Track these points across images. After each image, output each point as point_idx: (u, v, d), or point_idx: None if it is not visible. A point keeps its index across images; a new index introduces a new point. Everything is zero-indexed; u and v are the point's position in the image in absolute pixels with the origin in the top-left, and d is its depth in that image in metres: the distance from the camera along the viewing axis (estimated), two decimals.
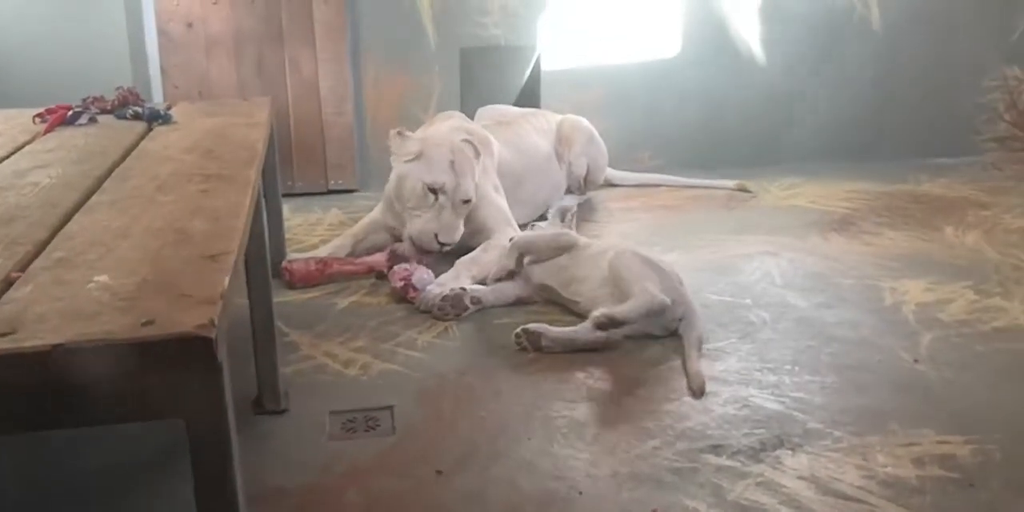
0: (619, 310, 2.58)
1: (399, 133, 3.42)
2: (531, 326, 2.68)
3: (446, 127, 3.62)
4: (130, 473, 2.07)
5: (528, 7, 4.57)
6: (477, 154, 3.45)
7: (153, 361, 1.14)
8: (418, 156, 3.34)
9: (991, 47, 4.98)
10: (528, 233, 3.15)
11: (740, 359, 2.59)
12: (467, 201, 3.34)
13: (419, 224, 3.29)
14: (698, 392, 2.38)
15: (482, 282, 3.12)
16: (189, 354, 1.14)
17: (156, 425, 1.25)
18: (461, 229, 3.33)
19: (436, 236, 3.26)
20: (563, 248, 3.01)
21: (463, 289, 2.97)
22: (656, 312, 2.61)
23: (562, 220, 3.21)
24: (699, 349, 2.59)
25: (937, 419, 2.23)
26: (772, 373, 2.50)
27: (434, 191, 3.28)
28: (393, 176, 3.45)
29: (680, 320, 2.69)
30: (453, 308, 2.92)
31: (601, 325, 2.57)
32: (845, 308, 2.95)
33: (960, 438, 2.13)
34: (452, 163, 3.32)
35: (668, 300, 2.60)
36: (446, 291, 2.98)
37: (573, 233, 3.12)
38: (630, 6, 4.66)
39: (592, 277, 2.85)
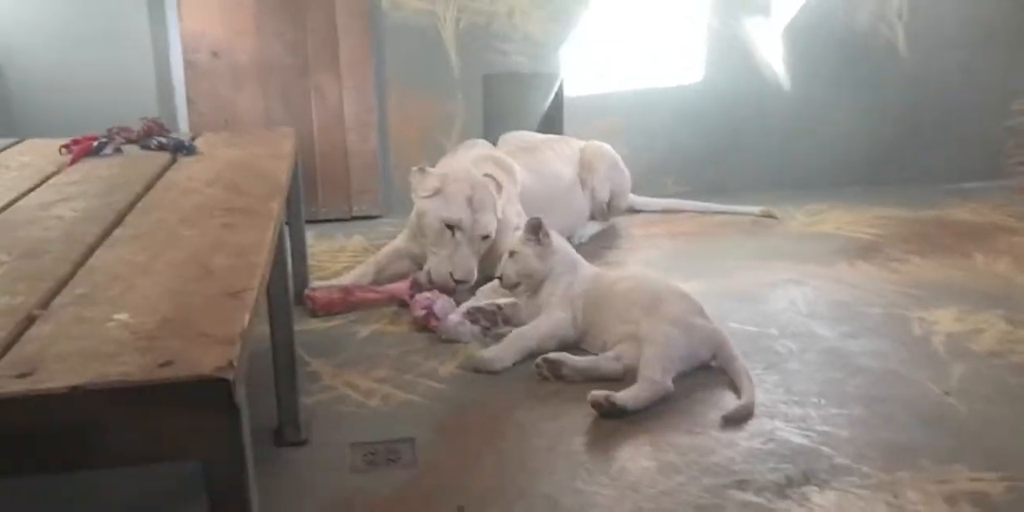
0: (621, 397, 2.44)
1: (420, 170, 3.43)
2: (552, 355, 2.66)
3: (469, 158, 3.62)
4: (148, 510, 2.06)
5: (551, 34, 4.59)
6: (499, 188, 3.45)
7: (171, 403, 1.14)
8: (437, 192, 3.34)
9: (1019, 70, 4.93)
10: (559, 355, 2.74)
11: (765, 391, 2.55)
12: (486, 237, 3.35)
13: (435, 262, 3.30)
14: (738, 422, 2.35)
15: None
16: (207, 396, 1.14)
17: (176, 463, 1.24)
18: (476, 267, 3.33)
19: (451, 274, 3.26)
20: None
21: (498, 306, 2.98)
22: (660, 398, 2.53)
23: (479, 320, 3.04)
24: (750, 379, 2.54)
25: (969, 455, 2.18)
26: (798, 406, 2.46)
27: (451, 227, 3.29)
28: (414, 212, 3.46)
29: (713, 357, 2.66)
30: (485, 319, 2.96)
31: (597, 405, 2.47)
32: (872, 338, 2.91)
33: (994, 475, 2.09)
34: (470, 199, 3.32)
35: (672, 387, 2.53)
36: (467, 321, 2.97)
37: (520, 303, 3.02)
38: (653, 32, 4.66)
39: (610, 320, 2.79)
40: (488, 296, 3.16)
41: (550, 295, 2.91)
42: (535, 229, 2.93)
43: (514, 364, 2.74)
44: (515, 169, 3.70)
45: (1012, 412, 2.41)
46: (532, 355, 2.73)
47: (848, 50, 4.82)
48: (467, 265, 3.29)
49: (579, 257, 3.05)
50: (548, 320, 2.85)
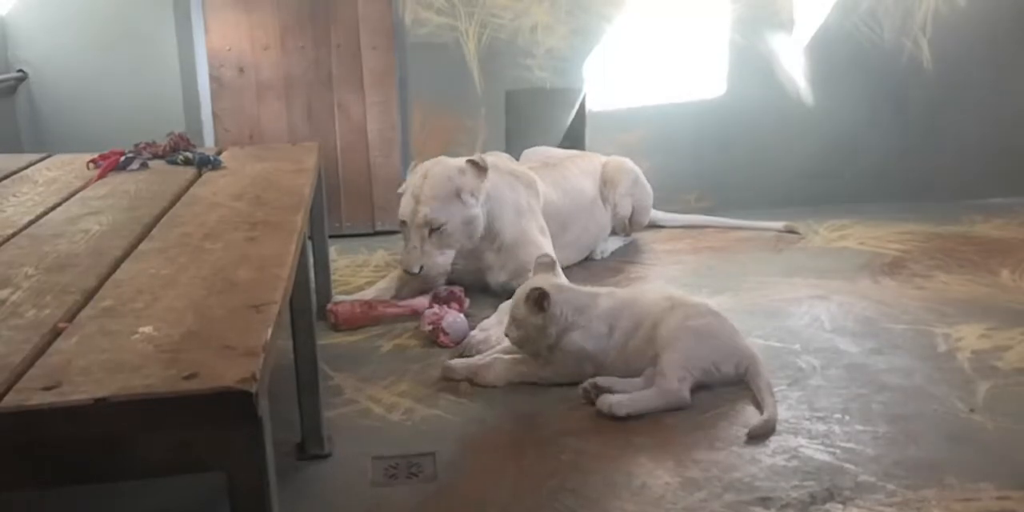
0: (616, 400, 2.48)
1: (416, 166, 3.48)
2: (600, 380, 2.61)
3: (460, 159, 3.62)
4: None
5: (573, 50, 4.60)
6: (479, 174, 3.38)
7: (194, 415, 1.15)
8: (403, 192, 3.41)
9: None
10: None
11: (789, 407, 2.53)
12: (435, 228, 3.28)
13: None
14: (761, 438, 2.35)
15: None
16: (230, 408, 1.15)
17: (200, 475, 1.25)
18: (429, 255, 3.29)
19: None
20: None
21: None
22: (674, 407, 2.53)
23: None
24: (772, 395, 2.53)
25: (996, 473, 2.15)
26: (822, 422, 2.44)
27: (403, 223, 3.34)
28: None
29: (744, 372, 2.65)
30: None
31: (585, 392, 2.54)
32: (897, 355, 2.88)
33: (1021, 493, 2.06)
34: (417, 190, 3.30)
35: (688, 398, 2.54)
36: (491, 337, 2.97)
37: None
38: (676, 47, 4.67)
39: (640, 342, 2.70)
40: (505, 313, 3.14)
41: (571, 347, 2.70)
42: (538, 303, 2.66)
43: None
44: (536, 183, 3.70)
45: None
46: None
47: (872, 65, 4.80)
48: (409, 260, 3.29)
49: (586, 296, 2.77)
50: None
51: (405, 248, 3.35)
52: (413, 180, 3.37)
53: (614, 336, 2.71)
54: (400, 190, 3.45)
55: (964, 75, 4.85)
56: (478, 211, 3.37)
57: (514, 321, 2.72)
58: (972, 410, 2.49)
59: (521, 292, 2.73)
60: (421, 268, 3.28)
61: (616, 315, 2.74)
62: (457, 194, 3.31)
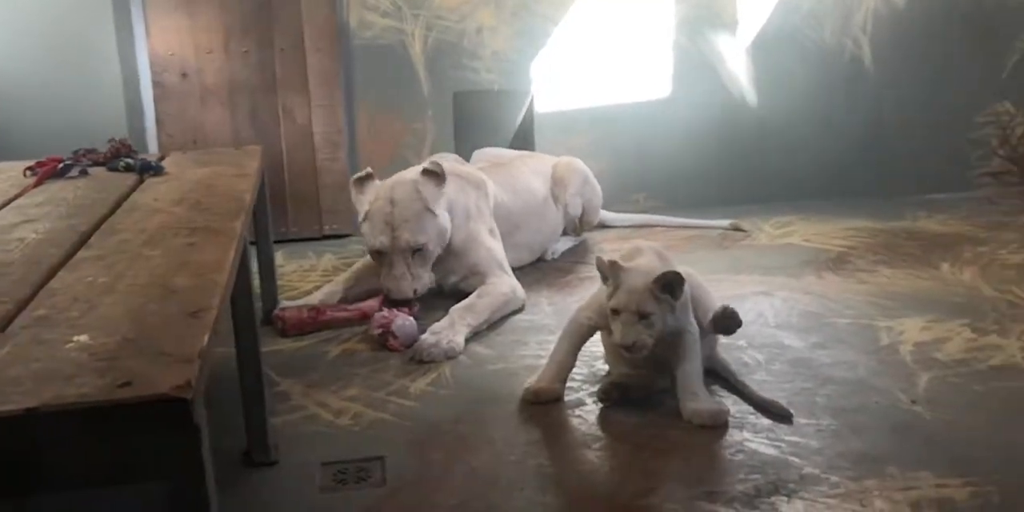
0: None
1: (357, 181, 3.43)
2: (626, 382, 2.60)
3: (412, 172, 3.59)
4: None
5: (519, 52, 4.62)
6: (439, 183, 3.35)
7: (129, 423, 1.13)
8: (365, 217, 3.35)
9: (982, 83, 5.02)
10: None
11: (735, 402, 2.56)
12: (416, 249, 3.28)
13: (381, 280, 3.31)
14: (787, 415, 2.45)
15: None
16: (166, 416, 1.13)
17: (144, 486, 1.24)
18: (419, 279, 3.28)
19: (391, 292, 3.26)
20: None
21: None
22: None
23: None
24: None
25: (935, 462, 2.20)
26: (767, 417, 2.47)
27: (378, 253, 3.31)
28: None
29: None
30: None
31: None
32: (841, 349, 2.93)
33: (958, 481, 2.11)
34: (388, 218, 3.27)
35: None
36: (442, 341, 2.96)
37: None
38: (621, 49, 4.70)
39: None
40: (459, 314, 3.14)
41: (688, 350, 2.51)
42: (671, 287, 2.39)
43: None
44: (486, 184, 3.69)
45: (976, 419, 2.43)
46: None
47: (815, 65, 4.88)
48: (398, 285, 3.25)
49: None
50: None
51: (388, 275, 3.27)
52: (379, 206, 3.31)
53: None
54: (360, 217, 3.38)
55: (904, 74, 4.95)
56: (445, 219, 3.36)
57: (643, 319, 2.38)
58: (913, 402, 2.54)
59: (640, 282, 2.39)
60: (415, 292, 3.26)
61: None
62: (427, 209, 3.31)
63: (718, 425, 2.40)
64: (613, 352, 2.65)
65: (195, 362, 1.22)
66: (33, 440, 1.12)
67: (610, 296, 2.44)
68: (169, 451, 1.16)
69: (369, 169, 3.52)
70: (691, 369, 2.50)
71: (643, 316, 2.38)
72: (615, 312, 2.42)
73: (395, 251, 3.27)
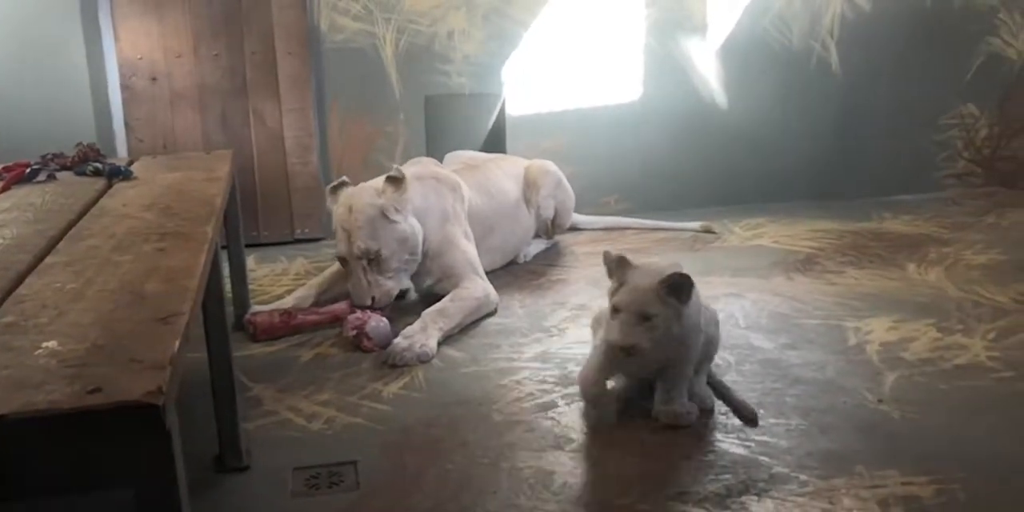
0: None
1: (331, 189, 3.46)
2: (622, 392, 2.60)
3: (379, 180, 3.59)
4: None
5: (491, 55, 4.63)
6: (398, 187, 3.31)
7: (100, 430, 1.13)
8: (334, 228, 3.37)
9: (947, 86, 5.09)
10: None
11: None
12: (373, 258, 3.24)
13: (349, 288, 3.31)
14: (753, 419, 2.45)
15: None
16: (137, 422, 1.13)
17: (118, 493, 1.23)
18: (378, 286, 3.25)
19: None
20: None
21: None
22: None
23: None
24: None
25: (901, 460, 2.23)
26: (738, 418, 2.50)
27: (343, 261, 3.32)
28: None
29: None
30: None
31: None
32: (810, 349, 2.97)
33: (924, 479, 2.14)
34: (346, 223, 3.27)
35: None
36: (414, 345, 2.97)
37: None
38: (592, 52, 4.73)
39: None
40: (431, 318, 3.14)
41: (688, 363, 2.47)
42: (679, 289, 2.29)
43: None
44: (460, 186, 3.70)
45: (941, 417, 2.47)
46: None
47: (783, 68, 4.93)
48: (360, 293, 3.23)
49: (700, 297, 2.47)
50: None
51: (351, 282, 3.28)
52: (339, 213, 3.32)
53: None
54: (334, 224, 3.39)
55: (870, 77, 5.01)
56: (408, 225, 3.33)
57: (646, 322, 2.29)
58: (880, 401, 2.58)
59: (646, 282, 2.29)
60: (373, 299, 3.25)
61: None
62: (383, 215, 3.28)
63: (681, 425, 2.41)
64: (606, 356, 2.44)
65: (166, 368, 1.22)
66: (2, 448, 1.11)
67: (613, 292, 2.34)
68: (140, 457, 1.16)
69: (344, 178, 3.52)
70: (678, 375, 2.45)
71: (645, 318, 2.28)
72: (615, 310, 2.32)
73: (351, 258, 3.26)
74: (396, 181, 3.34)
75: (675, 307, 2.30)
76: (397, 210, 3.30)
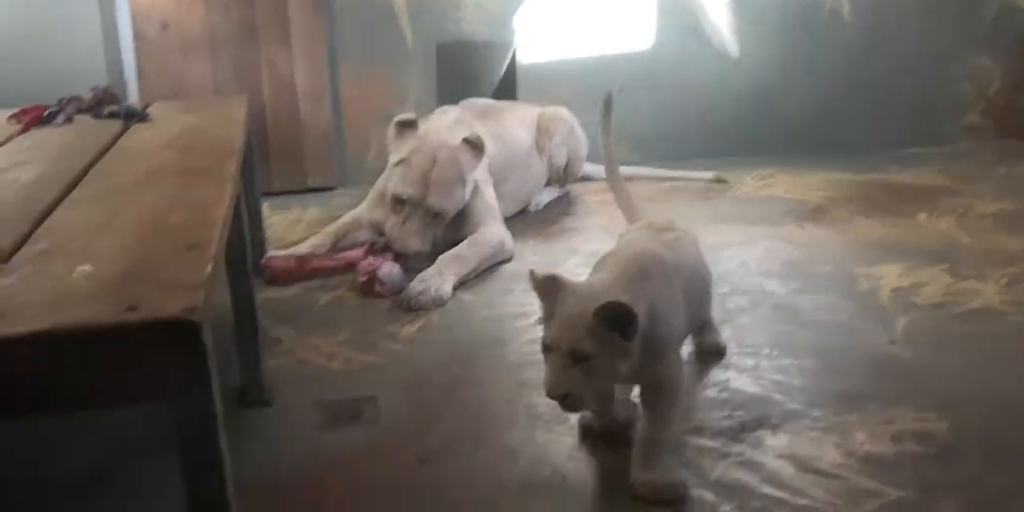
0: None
1: (400, 124, 3.38)
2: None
3: (446, 121, 3.58)
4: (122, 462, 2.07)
5: (503, 3, 4.60)
6: (478, 153, 3.35)
7: (139, 345, 1.16)
8: (401, 161, 3.32)
9: (960, 38, 5.04)
10: None
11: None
12: (437, 214, 3.27)
13: (387, 229, 3.29)
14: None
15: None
16: (175, 338, 1.16)
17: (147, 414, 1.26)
18: (428, 240, 3.26)
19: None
20: None
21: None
22: None
23: None
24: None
25: (914, 399, 2.26)
26: (750, 357, 2.53)
27: (400, 201, 3.28)
28: (385, 174, 3.45)
29: None
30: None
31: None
32: (821, 294, 2.99)
33: (936, 415, 2.17)
34: (427, 175, 3.25)
35: None
36: (429, 289, 2.99)
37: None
38: (604, 0, 4.69)
39: None
40: (447, 263, 3.14)
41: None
42: (619, 323, 1.74)
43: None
44: (484, 137, 3.68)
45: (953, 358, 2.50)
46: None
47: (795, 18, 4.89)
48: (408, 240, 3.21)
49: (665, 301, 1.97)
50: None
51: (400, 227, 3.23)
52: (419, 158, 3.27)
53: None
54: (393, 160, 3.34)
55: (882, 28, 4.97)
56: (468, 192, 3.37)
57: (581, 364, 1.75)
58: (892, 342, 2.60)
59: (576, 312, 1.77)
60: (418, 251, 3.23)
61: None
62: (461, 180, 3.31)
63: (664, 500, 1.85)
64: None
65: (200, 289, 1.25)
66: (45, 361, 1.14)
67: (544, 325, 1.84)
68: (178, 372, 1.19)
69: (413, 114, 3.47)
70: (658, 432, 1.94)
71: (580, 358, 1.75)
72: (546, 349, 1.80)
73: (418, 207, 3.25)
74: (476, 148, 3.34)
75: (618, 344, 1.76)
76: (471, 179, 3.35)
